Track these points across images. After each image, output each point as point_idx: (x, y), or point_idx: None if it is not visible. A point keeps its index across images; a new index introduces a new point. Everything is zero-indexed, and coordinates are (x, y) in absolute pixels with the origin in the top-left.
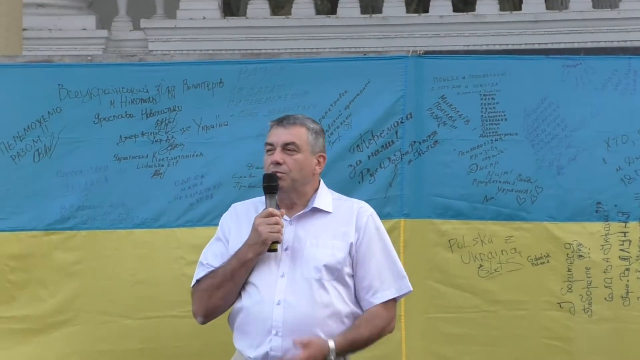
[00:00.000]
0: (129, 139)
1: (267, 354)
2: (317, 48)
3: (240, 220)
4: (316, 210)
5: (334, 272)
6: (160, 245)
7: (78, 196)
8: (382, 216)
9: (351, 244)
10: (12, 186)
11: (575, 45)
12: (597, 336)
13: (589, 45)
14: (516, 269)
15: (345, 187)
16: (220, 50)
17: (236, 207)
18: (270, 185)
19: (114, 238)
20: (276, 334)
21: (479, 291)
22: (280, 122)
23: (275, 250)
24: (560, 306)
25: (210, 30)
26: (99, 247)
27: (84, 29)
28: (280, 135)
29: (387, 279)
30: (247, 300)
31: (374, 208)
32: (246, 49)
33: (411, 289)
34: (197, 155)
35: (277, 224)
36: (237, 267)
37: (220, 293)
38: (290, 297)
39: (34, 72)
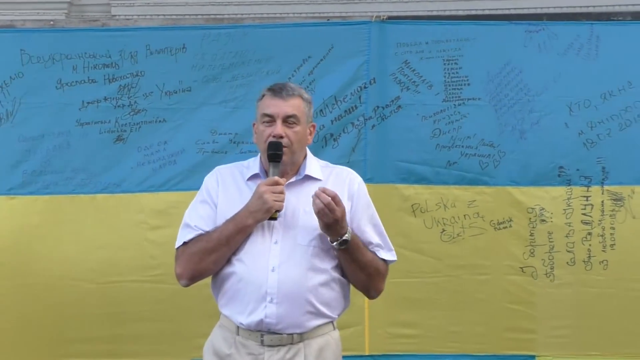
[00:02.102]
0: (92, 104)
1: (261, 321)
2: (281, 13)
3: (226, 185)
4: (307, 178)
5: (326, 239)
6: (122, 210)
7: (40, 161)
8: None
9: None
10: None
11: (538, 11)
12: (559, 300)
13: (552, 10)
14: (479, 233)
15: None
16: (184, 15)
17: (220, 170)
18: (276, 154)
19: (76, 203)
20: (271, 301)
21: (441, 256)
22: (279, 92)
23: (275, 218)
24: (522, 270)
25: None
26: (61, 211)
27: None
28: (281, 107)
29: (384, 243)
30: (240, 266)
31: None
32: (209, 14)
33: (395, 258)
34: (160, 120)
35: (282, 192)
36: (234, 233)
37: (213, 257)
38: (285, 263)
39: None
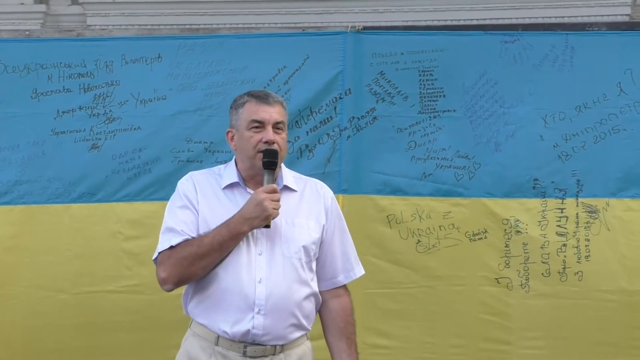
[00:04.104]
0: (67, 113)
1: (248, 332)
2: (256, 23)
3: (204, 191)
4: (285, 189)
5: (309, 252)
6: (97, 220)
7: (15, 171)
8: None
9: (323, 225)
10: None
11: (514, 22)
12: (535, 311)
13: (527, 21)
14: (454, 244)
15: (284, 163)
16: (159, 25)
17: (195, 176)
18: (271, 161)
19: (51, 212)
20: (259, 312)
21: (417, 267)
22: (265, 99)
23: (269, 226)
24: (497, 282)
25: (149, 5)
26: (36, 221)
27: (22, 4)
28: (270, 113)
29: (351, 260)
30: (224, 276)
31: None
32: (185, 24)
33: (364, 272)
34: (135, 128)
35: (279, 200)
36: (227, 239)
37: (204, 263)
38: (271, 275)
39: None
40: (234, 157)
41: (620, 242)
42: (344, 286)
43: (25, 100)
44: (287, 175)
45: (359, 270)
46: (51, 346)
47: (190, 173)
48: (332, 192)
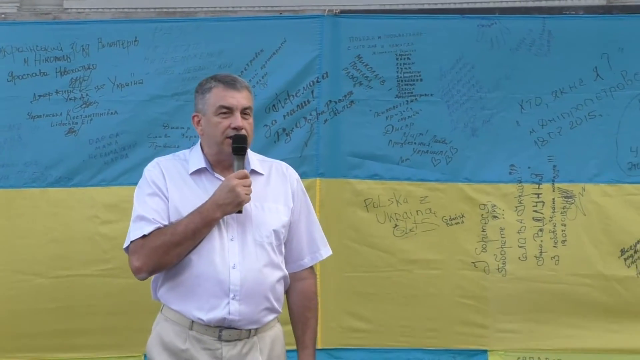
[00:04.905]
0: (43, 97)
1: (224, 318)
2: (233, 7)
3: (173, 177)
4: (252, 173)
5: (279, 236)
6: (74, 204)
7: None
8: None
9: (291, 208)
10: None
11: (491, 5)
12: (511, 295)
13: (504, 5)
14: (431, 229)
15: (261, 147)
16: (136, 8)
17: (162, 162)
18: (241, 147)
19: (27, 196)
20: (234, 298)
21: (394, 250)
22: (232, 84)
23: (241, 211)
24: (474, 265)
25: None
26: (12, 205)
27: None
28: (238, 98)
29: (317, 242)
30: (197, 262)
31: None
32: (161, 7)
33: (331, 252)
34: (111, 113)
35: (250, 185)
36: (201, 226)
37: (178, 250)
38: (245, 261)
39: None
40: (199, 141)
41: (596, 227)
42: (310, 269)
43: (1, 83)
44: (253, 159)
45: (326, 252)
46: (27, 330)
47: (156, 159)
48: (297, 174)
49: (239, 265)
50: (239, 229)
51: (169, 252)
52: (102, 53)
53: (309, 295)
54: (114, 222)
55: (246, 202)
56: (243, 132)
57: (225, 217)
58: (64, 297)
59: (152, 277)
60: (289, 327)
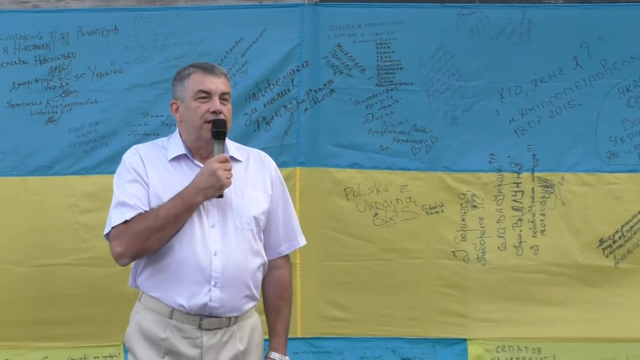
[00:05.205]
0: (23, 85)
1: (205, 305)
2: None
3: (153, 163)
4: (231, 159)
5: (259, 223)
6: (53, 192)
7: None
8: (278, 164)
9: (270, 196)
10: None
11: None
12: (491, 284)
13: None
14: (411, 217)
15: (241, 136)
16: None
17: (141, 149)
18: (220, 131)
19: (6, 185)
20: (215, 285)
21: (374, 239)
22: (211, 70)
23: (222, 196)
24: (454, 255)
25: None
26: None
27: None
28: (217, 84)
29: (294, 230)
30: (179, 249)
31: (270, 156)
32: None
33: (306, 241)
34: (91, 102)
35: (231, 170)
36: (182, 211)
37: (160, 235)
38: (226, 248)
39: None
40: (177, 129)
41: (575, 217)
42: (286, 257)
43: None
44: (231, 147)
45: (302, 240)
46: (6, 318)
47: (134, 146)
48: (274, 162)
49: (220, 253)
50: (220, 215)
51: (151, 237)
52: (82, 42)
53: (284, 284)
54: (93, 211)
55: (227, 186)
56: (222, 116)
57: (205, 203)
58: (44, 286)
59: (132, 264)
60: (265, 317)
